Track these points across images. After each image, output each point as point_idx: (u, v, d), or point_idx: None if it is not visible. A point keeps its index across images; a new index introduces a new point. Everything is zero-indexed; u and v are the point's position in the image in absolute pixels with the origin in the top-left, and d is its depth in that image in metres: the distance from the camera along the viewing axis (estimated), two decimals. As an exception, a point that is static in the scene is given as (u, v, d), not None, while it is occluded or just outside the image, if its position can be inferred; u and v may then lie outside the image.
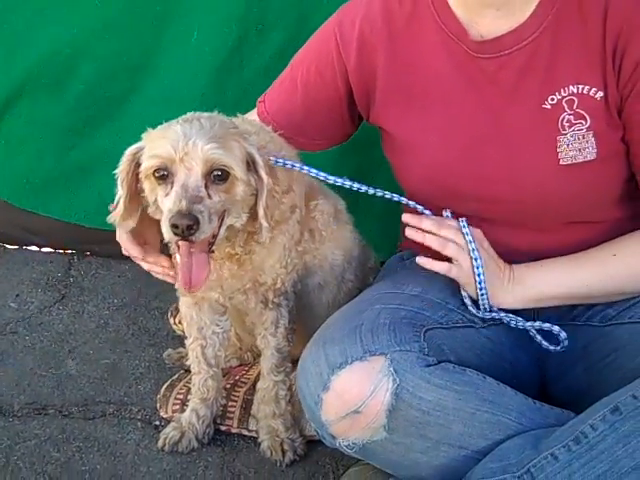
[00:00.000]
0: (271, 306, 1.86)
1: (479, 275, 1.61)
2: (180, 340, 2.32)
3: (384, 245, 2.25)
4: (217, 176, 1.54)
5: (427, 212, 1.70)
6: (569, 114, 1.58)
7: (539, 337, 1.67)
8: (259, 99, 1.93)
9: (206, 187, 1.54)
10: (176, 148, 1.51)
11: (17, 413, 2.04)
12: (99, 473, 1.85)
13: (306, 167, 1.71)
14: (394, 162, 1.81)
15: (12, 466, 1.86)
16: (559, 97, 1.58)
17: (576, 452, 1.43)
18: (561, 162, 1.59)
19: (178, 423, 1.95)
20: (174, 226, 1.48)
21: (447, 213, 1.69)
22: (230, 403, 2.03)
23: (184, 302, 1.94)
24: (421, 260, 1.64)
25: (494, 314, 1.66)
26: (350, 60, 1.74)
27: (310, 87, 1.82)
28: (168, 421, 2.00)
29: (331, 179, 1.72)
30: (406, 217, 1.68)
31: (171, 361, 2.22)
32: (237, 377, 2.14)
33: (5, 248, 2.88)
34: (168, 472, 1.86)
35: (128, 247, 1.75)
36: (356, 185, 1.72)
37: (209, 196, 1.54)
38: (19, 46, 2.57)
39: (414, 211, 1.72)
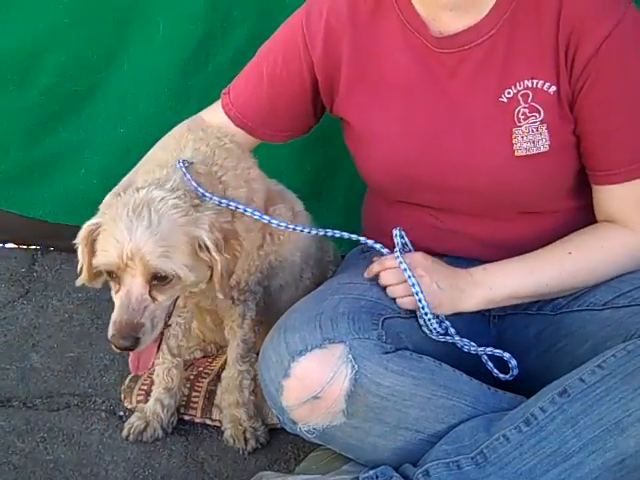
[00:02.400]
0: (238, 302, 1.90)
1: (420, 301, 1.64)
2: (145, 333, 2.34)
3: (345, 239, 2.29)
4: (161, 278, 1.59)
5: (383, 250, 1.73)
6: (524, 107, 1.64)
7: (490, 364, 1.71)
8: (224, 90, 1.95)
9: (151, 289, 1.59)
10: (120, 255, 1.56)
11: (-20, 405, 2.06)
12: (63, 462, 1.87)
13: (249, 209, 1.73)
14: (355, 153, 1.85)
15: (-23, 456, 1.88)
16: (515, 91, 1.64)
17: (526, 433, 1.50)
18: (516, 153, 1.65)
19: (142, 413, 1.98)
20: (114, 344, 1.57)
21: (396, 231, 1.71)
22: (194, 393, 2.06)
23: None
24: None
25: (448, 337, 1.70)
26: (316, 50, 1.77)
27: (276, 79, 1.84)
28: (132, 411, 2.03)
29: (274, 223, 1.75)
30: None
31: (135, 353, 2.24)
32: (201, 368, 2.17)
33: (-32, 244, 2.88)
34: (132, 461, 1.88)
35: None
36: (299, 228, 1.78)
37: (154, 299, 1.59)
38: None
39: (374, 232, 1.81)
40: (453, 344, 1.70)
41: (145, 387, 2.08)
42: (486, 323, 1.83)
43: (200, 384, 2.09)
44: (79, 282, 1.71)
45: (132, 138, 2.54)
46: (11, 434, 1.95)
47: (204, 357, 2.24)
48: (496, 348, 1.81)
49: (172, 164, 1.72)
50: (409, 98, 1.71)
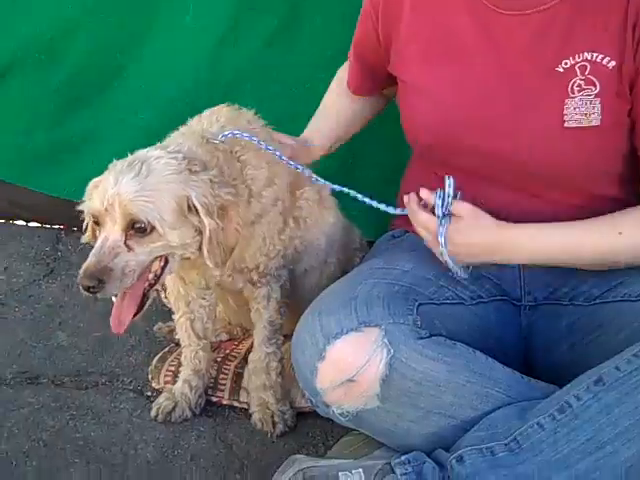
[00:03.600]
0: (259, 285, 1.90)
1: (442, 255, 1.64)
2: (169, 314, 2.33)
3: (372, 225, 2.29)
4: (139, 229, 1.60)
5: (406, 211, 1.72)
6: (580, 79, 1.62)
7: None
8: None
9: (129, 237, 1.60)
10: (103, 200, 1.59)
11: (9, 382, 2.07)
12: (93, 440, 1.88)
13: (284, 157, 1.76)
14: (404, 111, 1.84)
15: (7, 432, 1.89)
16: (572, 62, 1.62)
17: (561, 421, 1.50)
18: (565, 124, 1.63)
19: (170, 393, 1.99)
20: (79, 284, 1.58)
21: (448, 180, 1.67)
22: (221, 375, 2.07)
23: (171, 278, 1.97)
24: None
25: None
26: (380, 5, 1.79)
27: (356, 40, 1.93)
28: (160, 392, 2.04)
29: (314, 177, 1.78)
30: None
31: (161, 334, 2.25)
32: (227, 351, 2.18)
33: (-9, 222, 2.89)
34: (162, 441, 1.89)
35: None
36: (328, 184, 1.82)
37: (130, 248, 1.60)
38: (11, 22, 2.58)
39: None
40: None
41: (172, 368, 2.09)
42: (517, 313, 1.83)
43: (227, 366, 2.10)
44: (84, 239, 1.74)
45: (157, 121, 2.53)
46: (40, 411, 1.96)
47: (230, 340, 2.25)
48: (526, 339, 1.82)
49: (198, 134, 1.76)
50: (464, 58, 1.70)
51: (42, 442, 1.87)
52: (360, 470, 1.58)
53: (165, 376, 2.07)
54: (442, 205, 1.63)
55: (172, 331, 2.22)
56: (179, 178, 1.63)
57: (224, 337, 2.25)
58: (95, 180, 1.68)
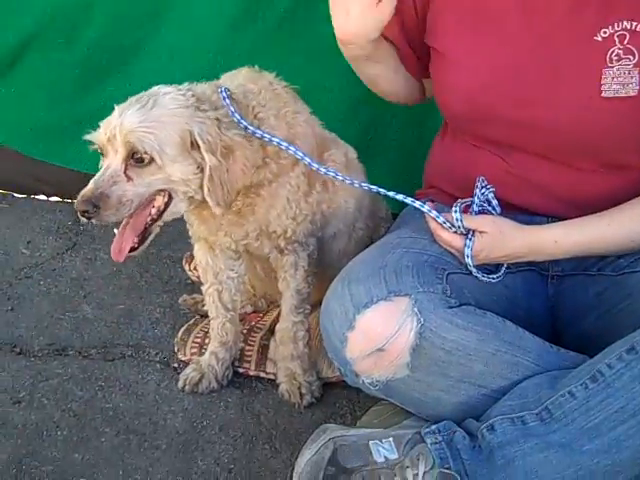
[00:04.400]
0: (286, 252, 1.89)
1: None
2: (193, 287, 2.36)
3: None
4: (138, 159, 1.60)
5: (433, 213, 1.66)
6: (619, 48, 1.60)
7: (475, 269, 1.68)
8: None
9: (128, 167, 1.61)
10: (106, 130, 1.62)
11: (37, 354, 2.08)
12: (122, 411, 1.90)
13: (284, 143, 1.70)
14: (438, 80, 1.82)
15: (37, 403, 1.91)
16: (611, 31, 1.60)
17: (593, 389, 1.48)
18: (603, 94, 1.61)
19: (197, 365, 1.99)
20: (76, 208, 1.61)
21: (478, 182, 1.67)
22: (247, 347, 2.07)
23: (199, 248, 1.98)
24: None
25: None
26: None
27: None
28: (186, 364, 2.04)
29: (315, 166, 1.71)
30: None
31: (186, 306, 2.26)
32: (253, 322, 2.19)
33: (14, 197, 2.90)
34: (190, 411, 1.90)
35: None
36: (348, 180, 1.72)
37: (129, 178, 1.60)
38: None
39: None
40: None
41: (198, 340, 2.10)
42: (544, 283, 1.82)
43: (253, 338, 2.11)
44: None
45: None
46: (69, 382, 1.98)
47: (254, 312, 2.26)
48: (554, 309, 1.81)
49: (214, 85, 1.76)
50: (499, 27, 1.68)
51: (72, 412, 1.88)
52: (390, 439, 1.58)
53: (191, 348, 2.08)
54: (476, 209, 1.64)
55: (197, 303, 2.23)
56: (184, 112, 1.63)
57: (249, 309, 2.25)
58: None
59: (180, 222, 1.85)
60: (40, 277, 2.42)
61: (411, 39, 1.86)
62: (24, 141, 2.76)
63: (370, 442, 1.57)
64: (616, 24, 1.60)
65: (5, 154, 2.78)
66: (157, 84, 2.56)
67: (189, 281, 2.40)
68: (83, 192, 1.60)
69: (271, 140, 1.70)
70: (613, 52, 1.60)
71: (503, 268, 1.70)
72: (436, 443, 1.55)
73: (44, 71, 2.66)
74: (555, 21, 1.64)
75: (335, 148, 1.97)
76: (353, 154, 2.05)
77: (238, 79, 1.83)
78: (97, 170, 1.72)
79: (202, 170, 1.65)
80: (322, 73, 2.46)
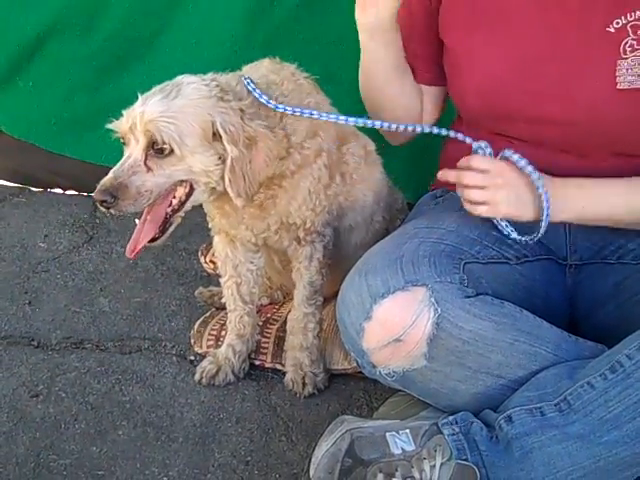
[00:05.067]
0: (304, 243, 1.89)
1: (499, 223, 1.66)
2: (208, 279, 2.36)
3: (411, 186, 2.27)
4: (158, 149, 1.59)
5: (467, 139, 1.69)
6: (633, 39, 1.58)
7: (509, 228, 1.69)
8: None
9: (148, 158, 1.60)
10: (128, 119, 1.61)
11: (55, 347, 2.09)
12: (139, 403, 1.90)
13: (315, 112, 1.72)
14: (451, 77, 1.82)
15: (54, 395, 1.91)
16: (625, 21, 1.58)
17: (612, 380, 1.47)
18: (618, 86, 1.59)
19: (214, 357, 1.99)
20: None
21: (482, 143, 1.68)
22: (263, 339, 2.07)
23: (219, 240, 1.98)
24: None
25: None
26: None
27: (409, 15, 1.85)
28: (203, 356, 2.04)
29: (351, 120, 1.72)
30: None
31: (202, 299, 2.25)
32: (269, 314, 2.18)
33: (30, 191, 2.91)
34: (207, 404, 1.90)
35: None
36: (378, 123, 1.74)
37: (149, 168, 1.59)
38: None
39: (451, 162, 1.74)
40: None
41: (215, 332, 2.10)
42: (562, 272, 1.80)
43: (269, 330, 2.10)
44: None
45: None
46: (86, 375, 1.98)
47: (271, 304, 2.25)
48: (572, 299, 1.79)
49: (238, 75, 1.75)
50: (511, 22, 1.67)
51: (89, 405, 1.89)
52: (407, 431, 1.57)
53: (208, 340, 2.08)
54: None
55: (213, 296, 2.23)
56: (207, 102, 1.62)
57: (265, 301, 2.24)
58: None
59: (196, 215, 1.84)
60: (57, 270, 2.42)
61: (420, 34, 1.86)
62: (40, 134, 2.76)
63: (387, 434, 1.57)
64: (629, 14, 1.58)
65: (21, 148, 2.78)
66: (174, 75, 2.59)
67: (205, 273, 2.40)
68: (102, 182, 1.59)
69: (302, 113, 1.71)
70: (627, 43, 1.58)
71: (542, 229, 1.64)
72: (453, 434, 1.54)
73: (61, 64, 2.65)
74: (567, 13, 1.62)
75: (355, 141, 1.96)
76: (372, 146, 2.04)
77: (261, 70, 1.82)
78: (113, 162, 1.74)
79: (224, 161, 1.64)
80: (337, 63, 2.45)
